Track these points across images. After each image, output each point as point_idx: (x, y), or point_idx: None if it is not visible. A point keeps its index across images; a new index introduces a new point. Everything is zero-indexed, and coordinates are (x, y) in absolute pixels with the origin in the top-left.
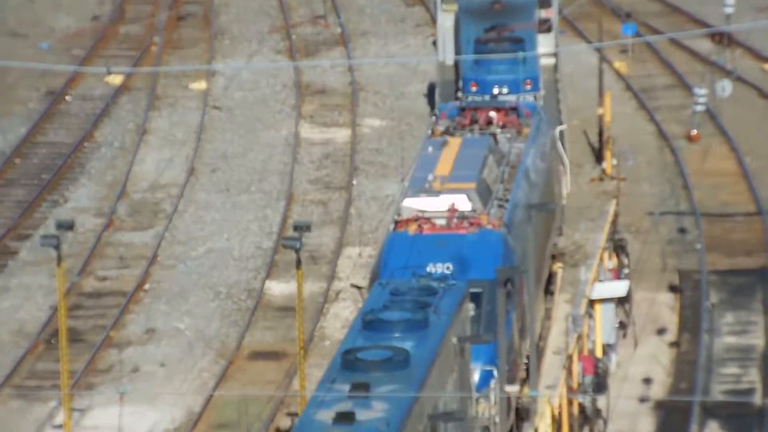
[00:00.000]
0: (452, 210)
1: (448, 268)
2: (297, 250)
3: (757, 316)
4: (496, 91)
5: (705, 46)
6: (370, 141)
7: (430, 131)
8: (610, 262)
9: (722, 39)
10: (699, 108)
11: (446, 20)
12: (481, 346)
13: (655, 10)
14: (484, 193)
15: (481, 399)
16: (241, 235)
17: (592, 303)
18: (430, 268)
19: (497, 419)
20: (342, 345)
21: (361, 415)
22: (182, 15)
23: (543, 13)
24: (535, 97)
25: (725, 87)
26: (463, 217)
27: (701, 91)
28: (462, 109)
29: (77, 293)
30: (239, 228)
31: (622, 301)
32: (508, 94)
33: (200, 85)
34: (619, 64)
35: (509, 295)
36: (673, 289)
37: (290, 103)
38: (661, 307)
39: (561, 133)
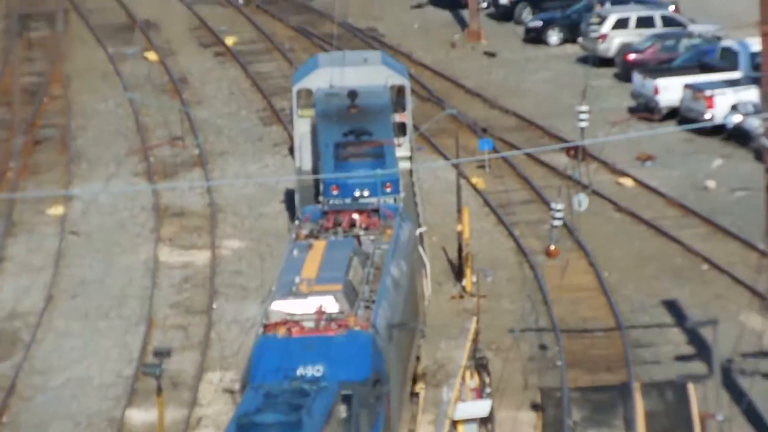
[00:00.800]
0: (320, 312)
1: (318, 370)
2: (157, 377)
3: None
4: (357, 194)
5: (561, 160)
6: (229, 263)
7: (294, 235)
8: (472, 381)
9: (577, 153)
10: (556, 223)
11: (302, 125)
12: None
13: (511, 125)
14: (351, 295)
15: None
16: (101, 362)
17: (455, 424)
18: (300, 371)
19: None
20: None
21: None
22: (38, 139)
23: (397, 117)
24: (395, 200)
25: (581, 201)
26: (331, 319)
27: (558, 206)
28: (325, 213)
29: None
30: (99, 355)
31: (485, 421)
32: (369, 197)
33: (57, 210)
34: (476, 180)
35: (379, 398)
36: (535, 407)
37: (149, 226)
38: (523, 426)
39: (420, 235)
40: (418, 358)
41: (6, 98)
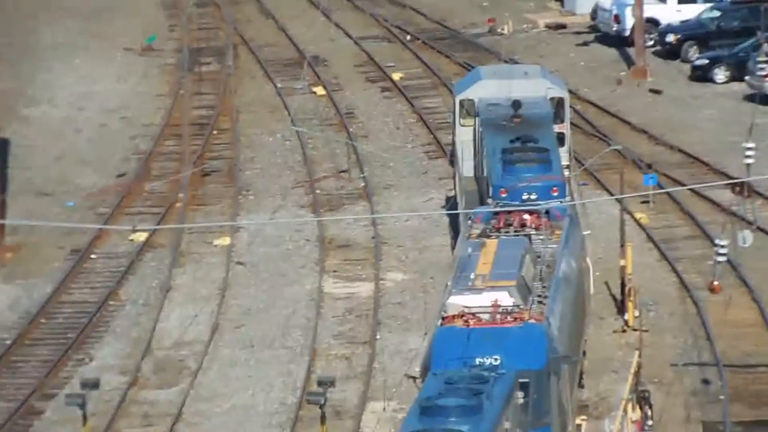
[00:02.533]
0: (495, 306)
1: (496, 359)
2: (321, 406)
3: None
4: (525, 197)
5: (726, 196)
6: (393, 295)
7: (467, 234)
8: (634, 414)
9: (743, 189)
10: (720, 259)
11: (464, 134)
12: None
13: (676, 160)
14: (524, 290)
15: None
16: (266, 390)
17: None
18: (479, 360)
19: None
20: (401, 429)
21: None
22: (207, 171)
23: (557, 128)
24: (561, 203)
25: (746, 238)
26: (506, 312)
27: (722, 241)
28: (496, 214)
29: None
30: (263, 384)
31: None
32: (537, 200)
33: (224, 241)
34: (640, 215)
35: (555, 382)
36: None
37: (314, 257)
38: None
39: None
40: (584, 353)
41: (176, 131)
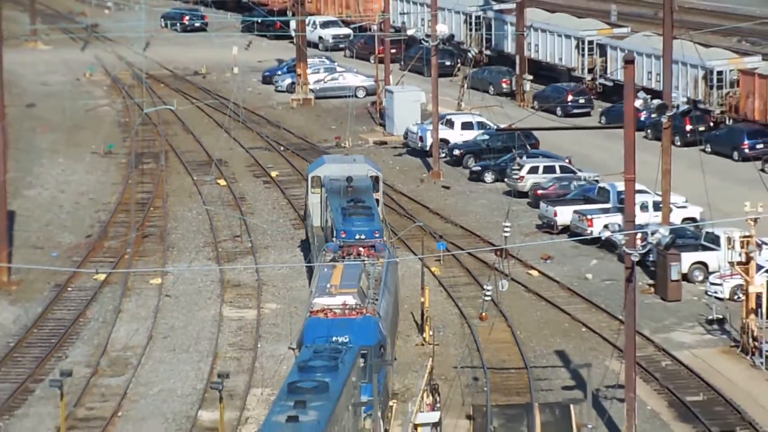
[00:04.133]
0: (344, 305)
1: (345, 338)
2: (220, 391)
3: None
4: (357, 237)
5: (491, 257)
6: (269, 318)
7: (322, 260)
8: (428, 399)
9: (502, 253)
10: (487, 298)
11: (313, 199)
12: (367, 384)
13: (459, 233)
14: (362, 295)
15: (367, 417)
16: (183, 380)
17: (416, 426)
18: (335, 339)
19: (378, 428)
20: (286, 381)
21: (302, 418)
22: (146, 234)
23: (375, 195)
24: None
25: (504, 284)
26: (351, 308)
27: (488, 287)
28: (341, 247)
29: (73, 418)
30: (181, 375)
31: (436, 425)
32: (365, 239)
33: (157, 280)
34: (434, 269)
35: (382, 355)
36: (468, 417)
37: (217, 292)
38: (460, 429)
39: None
40: (395, 358)
41: (126, 208)
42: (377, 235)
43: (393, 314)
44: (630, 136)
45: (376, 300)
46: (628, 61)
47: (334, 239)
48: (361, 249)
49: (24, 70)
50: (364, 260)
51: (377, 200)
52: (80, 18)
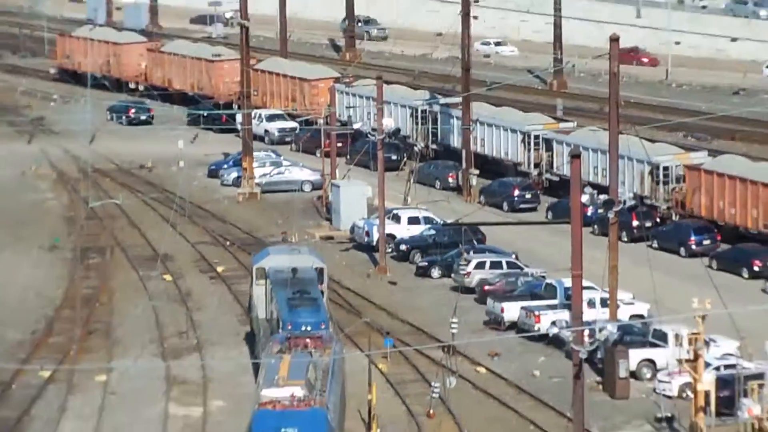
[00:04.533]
0: (293, 396)
1: (295, 430)
2: None
3: None
4: (303, 329)
5: (438, 354)
6: (216, 415)
7: (269, 351)
8: None
9: (449, 350)
10: (435, 395)
11: (258, 290)
12: None
13: (406, 330)
14: (310, 386)
15: None
16: None
17: None
18: (284, 430)
19: None
20: None
21: None
22: (91, 330)
23: (320, 287)
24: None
25: (451, 381)
26: (300, 400)
27: (436, 384)
28: (288, 338)
29: None
30: None
31: None
32: (311, 331)
33: (102, 378)
34: (382, 365)
35: None
36: None
37: (163, 389)
38: None
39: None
40: None
41: (71, 304)
42: (323, 327)
43: (341, 406)
44: (577, 231)
45: (324, 391)
46: (575, 156)
47: (280, 331)
48: (308, 340)
49: None
50: (311, 352)
51: (322, 292)
52: (26, 111)
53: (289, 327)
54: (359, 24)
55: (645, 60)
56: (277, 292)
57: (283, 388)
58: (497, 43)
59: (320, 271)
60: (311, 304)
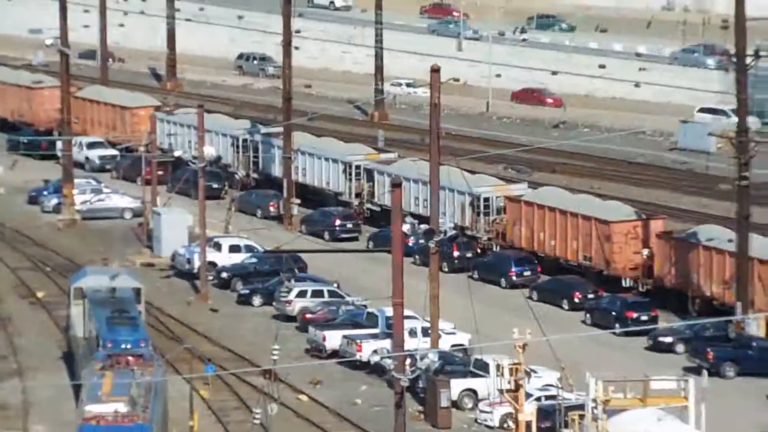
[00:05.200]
0: (116, 412)
1: None
2: None
3: None
4: (123, 346)
5: (260, 381)
6: None
7: (90, 369)
8: None
9: (271, 376)
10: (256, 422)
11: (75, 310)
12: None
13: (227, 356)
14: (133, 402)
15: None
16: None
17: None
18: None
19: None
20: None
21: None
22: None
23: (138, 307)
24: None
25: (273, 408)
26: (124, 416)
27: (257, 411)
28: (109, 356)
29: None
30: None
31: None
32: (131, 349)
33: None
34: (203, 392)
35: None
36: None
37: None
38: None
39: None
40: None
41: None
42: (143, 345)
43: (164, 424)
44: (397, 258)
45: (147, 408)
46: (396, 185)
47: (99, 349)
48: (130, 358)
49: None
50: (133, 369)
51: (140, 312)
52: None
53: (109, 345)
54: (255, 61)
55: (550, 101)
56: (95, 311)
57: (106, 404)
58: (408, 84)
59: (137, 292)
60: (131, 323)
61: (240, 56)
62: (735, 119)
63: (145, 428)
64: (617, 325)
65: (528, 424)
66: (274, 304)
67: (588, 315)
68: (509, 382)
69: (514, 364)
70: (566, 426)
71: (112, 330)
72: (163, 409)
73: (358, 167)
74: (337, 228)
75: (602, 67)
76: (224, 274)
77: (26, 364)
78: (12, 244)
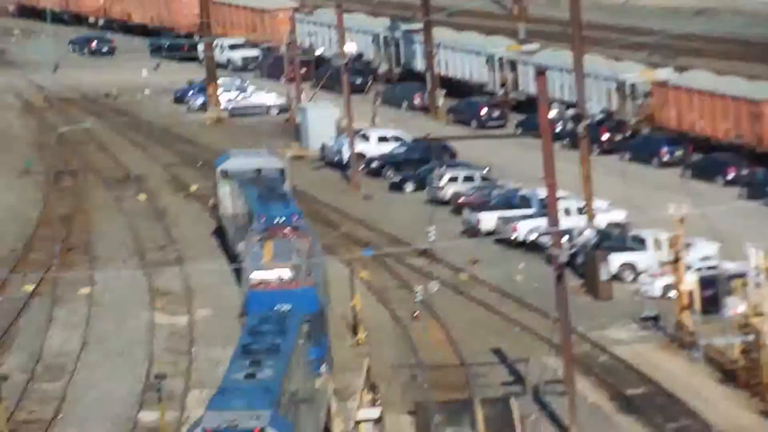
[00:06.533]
0: (281, 278)
1: (287, 306)
2: (158, 391)
3: (467, 429)
4: (276, 221)
5: (419, 262)
6: (201, 324)
7: (249, 240)
8: (367, 397)
9: (428, 255)
10: (418, 300)
11: (223, 190)
12: (314, 347)
13: (384, 241)
14: (296, 269)
15: (317, 377)
16: (120, 383)
17: (357, 423)
18: (277, 307)
19: (327, 388)
20: (239, 344)
21: (259, 375)
22: (70, 247)
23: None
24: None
25: (434, 286)
26: (290, 281)
27: (418, 288)
28: (266, 228)
29: (14, 421)
30: (119, 379)
31: (377, 422)
32: (283, 223)
33: (86, 290)
34: (363, 274)
35: (324, 322)
36: (411, 413)
37: (147, 300)
38: (403, 425)
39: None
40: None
41: (49, 222)
42: (296, 219)
43: (325, 283)
44: (547, 140)
45: (310, 273)
46: (540, 72)
47: (255, 222)
48: (286, 229)
49: None
50: (290, 239)
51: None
52: None
53: (263, 219)
54: None
55: None
56: (245, 189)
57: (271, 270)
58: None
59: (282, 171)
60: (281, 198)
61: None
62: None
63: (310, 292)
64: None
65: (690, 294)
66: (426, 189)
67: (744, 190)
68: (669, 255)
69: (673, 236)
70: (729, 295)
71: (264, 206)
72: (323, 279)
73: (501, 58)
74: (483, 116)
75: None
76: (374, 164)
77: (185, 253)
78: (162, 141)
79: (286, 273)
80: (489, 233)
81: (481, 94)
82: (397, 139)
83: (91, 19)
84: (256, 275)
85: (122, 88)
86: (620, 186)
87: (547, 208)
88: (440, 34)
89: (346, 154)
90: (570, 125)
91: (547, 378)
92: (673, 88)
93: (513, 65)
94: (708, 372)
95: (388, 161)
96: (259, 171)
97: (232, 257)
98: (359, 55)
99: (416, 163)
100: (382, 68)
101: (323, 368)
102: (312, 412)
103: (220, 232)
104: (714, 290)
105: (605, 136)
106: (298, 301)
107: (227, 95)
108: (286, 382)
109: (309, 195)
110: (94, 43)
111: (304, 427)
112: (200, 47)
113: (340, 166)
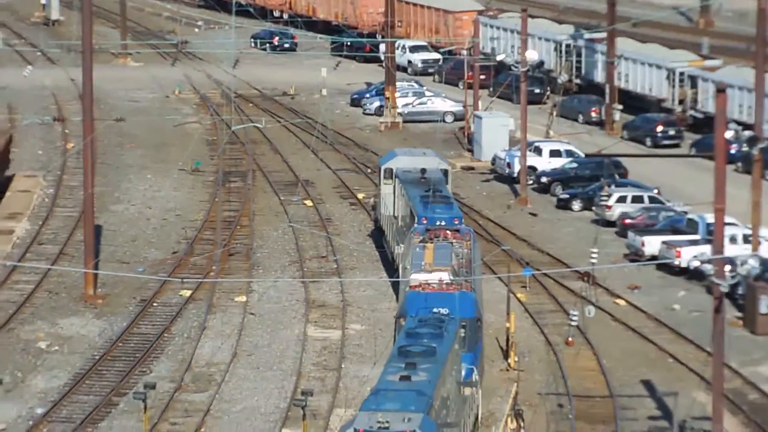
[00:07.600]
0: (441, 280)
1: (446, 310)
2: (303, 408)
3: None
4: (437, 223)
5: (578, 284)
6: (354, 339)
7: (412, 241)
8: (512, 425)
9: (589, 279)
10: (573, 324)
11: (385, 189)
12: (466, 353)
13: (546, 260)
14: (454, 273)
15: (466, 385)
16: (266, 398)
17: None
18: (435, 310)
19: (476, 396)
20: (395, 345)
21: (414, 377)
22: (232, 252)
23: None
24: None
25: (590, 311)
26: (449, 284)
27: (574, 313)
28: (427, 230)
29: None
30: (265, 393)
31: None
32: (444, 226)
33: (241, 298)
34: (520, 295)
35: (479, 329)
36: None
37: (301, 312)
38: None
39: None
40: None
41: (212, 225)
42: (457, 222)
43: (481, 296)
44: (721, 164)
45: (467, 278)
46: (720, 90)
47: (416, 224)
48: (447, 232)
49: (113, 86)
50: (452, 242)
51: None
52: (170, 36)
53: (424, 221)
54: None
55: None
56: (408, 190)
57: (431, 273)
58: None
59: (445, 172)
60: (444, 201)
61: None
62: None
63: (469, 296)
64: None
65: None
66: (593, 208)
67: None
68: None
69: None
70: None
71: (427, 207)
72: (479, 287)
73: (681, 73)
74: (659, 134)
75: None
76: (544, 179)
77: (345, 264)
78: (334, 145)
79: (446, 276)
80: (652, 258)
81: (659, 109)
82: (570, 153)
83: (276, 13)
84: (417, 276)
85: (300, 87)
86: None
87: (713, 234)
88: (622, 44)
89: (516, 167)
90: (745, 147)
91: (695, 414)
92: None
93: (693, 81)
94: None
95: (558, 177)
96: (424, 170)
97: (389, 257)
98: (540, 63)
99: (586, 180)
100: (562, 78)
101: (474, 376)
102: (460, 419)
103: (377, 236)
104: None
105: None
106: (455, 305)
107: (404, 100)
108: (440, 386)
109: (476, 209)
110: (276, 39)
111: None
112: (381, 48)
113: (510, 179)
